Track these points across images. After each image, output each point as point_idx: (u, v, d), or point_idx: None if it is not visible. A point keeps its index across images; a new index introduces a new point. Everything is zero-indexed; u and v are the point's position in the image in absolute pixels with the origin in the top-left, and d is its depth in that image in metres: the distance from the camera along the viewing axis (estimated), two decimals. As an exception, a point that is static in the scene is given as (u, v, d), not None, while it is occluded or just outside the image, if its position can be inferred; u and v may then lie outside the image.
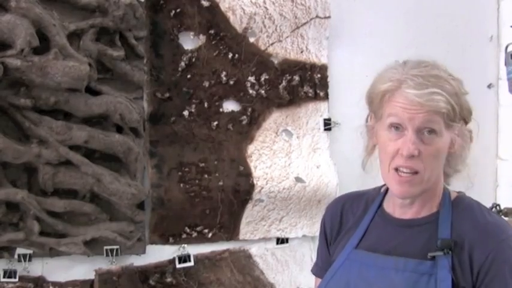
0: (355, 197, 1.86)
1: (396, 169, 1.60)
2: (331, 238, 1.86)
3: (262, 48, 2.82)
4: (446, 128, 1.58)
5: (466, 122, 1.64)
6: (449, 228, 1.63)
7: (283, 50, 2.84)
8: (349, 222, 1.82)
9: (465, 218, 1.64)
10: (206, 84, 2.73)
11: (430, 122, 1.56)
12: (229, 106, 2.79)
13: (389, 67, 1.66)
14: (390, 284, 1.63)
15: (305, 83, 2.88)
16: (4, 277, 2.51)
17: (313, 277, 1.98)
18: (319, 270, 1.91)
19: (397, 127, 1.60)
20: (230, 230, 2.79)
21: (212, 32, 2.73)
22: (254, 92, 2.80)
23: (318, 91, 2.90)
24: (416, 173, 1.59)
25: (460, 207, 1.67)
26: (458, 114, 1.58)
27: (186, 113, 2.71)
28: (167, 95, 2.69)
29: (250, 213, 2.82)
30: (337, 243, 1.82)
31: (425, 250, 1.62)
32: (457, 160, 1.68)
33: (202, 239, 2.76)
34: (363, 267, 1.68)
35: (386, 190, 1.77)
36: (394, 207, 1.72)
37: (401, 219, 1.70)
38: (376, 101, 1.66)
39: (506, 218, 2.76)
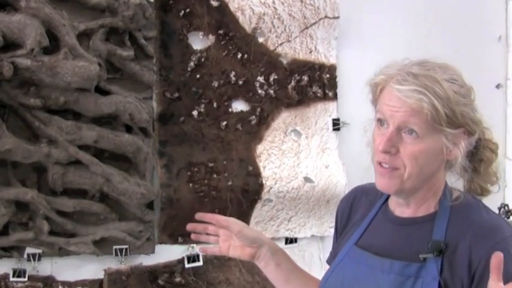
0: (366, 190, 1.85)
1: (379, 163, 1.60)
2: (340, 230, 1.87)
3: (271, 48, 2.81)
4: (432, 130, 1.55)
5: (469, 132, 1.60)
6: (445, 229, 1.61)
7: (292, 50, 2.84)
8: (356, 215, 1.82)
9: (461, 219, 1.61)
10: (215, 84, 2.74)
11: (408, 123, 1.54)
12: (238, 106, 2.79)
13: (391, 62, 1.66)
14: (376, 285, 1.62)
15: (314, 83, 2.87)
16: (14, 276, 2.52)
17: (322, 276, 1.98)
18: (332, 259, 1.90)
19: (382, 123, 1.60)
20: None
21: (221, 32, 2.73)
22: (263, 92, 2.80)
23: (327, 91, 2.90)
24: (396, 169, 1.58)
25: (458, 207, 1.64)
26: (447, 119, 1.54)
27: (195, 113, 2.71)
28: (176, 95, 2.69)
29: (259, 213, 2.82)
30: (343, 236, 1.83)
31: (418, 251, 1.59)
32: (455, 169, 1.65)
33: (211, 238, 2.76)
34: (357, 265, 1.68)
35: None
36: (395, 206, 1.71)
37: (400, 217, 1.69)
38: (372, 94, 1.68)
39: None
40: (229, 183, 2.77)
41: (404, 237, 1.65)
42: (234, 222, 1.85)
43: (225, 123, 2.75)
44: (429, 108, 1.52)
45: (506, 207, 2.87)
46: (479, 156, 1.66)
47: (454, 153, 1.60)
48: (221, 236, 1.89)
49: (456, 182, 1.72)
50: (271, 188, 2.81)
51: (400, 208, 1.69)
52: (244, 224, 1.88)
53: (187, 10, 2.69)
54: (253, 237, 1.86)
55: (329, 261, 1.93)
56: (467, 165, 1.63)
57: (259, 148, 2.82)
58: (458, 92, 1.57)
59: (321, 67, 2.89)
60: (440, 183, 1.68)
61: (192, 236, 1.94)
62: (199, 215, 1.90)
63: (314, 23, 2.86)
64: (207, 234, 1.93)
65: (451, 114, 1.55)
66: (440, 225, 1.62)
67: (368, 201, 1.82)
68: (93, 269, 2.63)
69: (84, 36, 2.48)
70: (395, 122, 1.56)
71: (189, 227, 1.91)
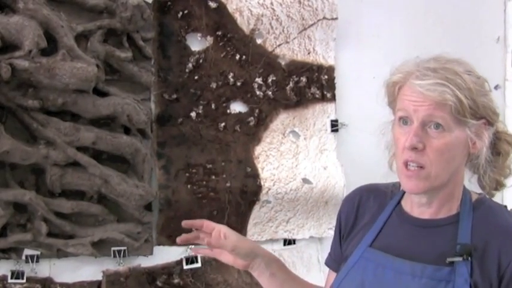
0: (373, 191, 1.82)
1: (405, 164, 1.58)
2: (344, 231, 1.83)
3: (270, 49, 2.82)
4: (456, 123, 1.55)
5: (490, 123, 1.60)
6: (470, 231, 1.60)
7: (290, 51, 2.84)
8: (364, 217, 1.79)
9: (486, 222, 1.61)
10: (213, 85, 2.73)
11: (433, 116, 1.54)
12: (237, 107, 2.79)
13: (405, 61, 1.65)
14: None
15: (312, 84, 2.87)
16: (12, 278, 2.51)
17: (320, 277, 1.97)
18: (332, 261, 1.89)
19: (405, 121, 1.59)
20: (237, 231, 2.74)
21: (219, 33, 2.73)
22: (261, 93, 2.80)
23: (325, 92, 2.90)
24: (422, 167, 1.56)
25: (481, 209, 1.64)
26: (470, 110, 1.54)
27: (193, 114, 2.71)
28: (174, 96, 2.69)
29: (257, 214, 2.82)
30: (351, 238, 1.79)
31: (443, 254, 1.58)
32: (476, 163, 1.64)
33: (209, 240, 2.76)
34: (379, 268, 1.65)
35: None
36: (412, 206, 1.69)
37: (419, 218, 1.67)
38: (389, 94, 1.67)
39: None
40: (228, 184, 2.76)
41: (427, 239, 1.64)
42: (226, 242, 1.81)
43: (223, 124, 2.75)
44: (453, 100, 1.52)
45: (505, 208, 2.86)
46: (497, 149, 1.66)
47: (478, 145, 1.59)
48: (213, 240, 1.86)
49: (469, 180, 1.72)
50: (269, 189, 2.81)
51: (419, 209, 1.67)
52: (237, 239, 1.83)
53: (186, 11, 2.69)
54: (246, 253, 1.82)
55: (329, 264, 1.91)
56: (489, 158, 1.63)
57: (258, 149, 2.82)
58: (477, 83, 1.57)
59: (319, 68, 2.89)
60: (461, 180, 1.67)
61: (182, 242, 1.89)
62: (186, 223, 1.85)
63: (312, 24, 2.87)
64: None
65: (473, 105, 1.55)
66: (465, 228, 1.61)
67: (377, 202, 1.79)
68: (91, 270, 2.62)
69: (82, 38, 2.47)
70: (420, 116, 1.55)
71: (181, 240, 1.86)
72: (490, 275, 1.55)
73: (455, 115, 1.54)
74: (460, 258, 1.56)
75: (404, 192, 1.74)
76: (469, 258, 1.56)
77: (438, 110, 1.53)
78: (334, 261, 1.87)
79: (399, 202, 1.75)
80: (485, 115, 1.59)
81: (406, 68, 1.61)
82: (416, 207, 1.68)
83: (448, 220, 1.64)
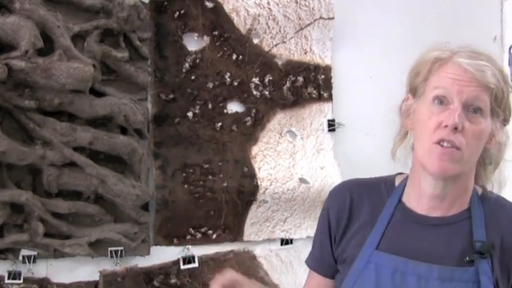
0: (364, 186, 1.73)
1: (437, 143, 1.50)
2: (336, 232, 1.72)
3: (266, 49, 2.81)
4: (491, 112, 1.51)
5: (506, 121, 1.57)
6: (484, 227, 1.55)
7: (287, 51, 2.84)
8: (360, 215, 1.68)
9: (498, 216, 1.57)
10: (210, 85, 2.73)
11: (478, 99, 1.49)
12: (233, 107, 2.79)
13: (438, 43, 1.60)
14: None
15: (309, 84, 2.87)
16: (9, 278, 2.51)
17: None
18: (316, 263, 1.79)
19: (441, 101, 1.52)
20: (234, 231, 2.78)
21: (216, 33, 2.73)
22: (258, 93, 2.80)
23: (322, 92, 2.89)
24: (458, 149, 1.49)
25: (489, 204, 1.60)
26: (504, 101, 1.51)
27: (190, 114, 2.71)
28: (171, 96, 2.69)
29: (254, 214, 2.81)
30: (347, 240, 1.69)
31: (462, 253, 1.53)
32: (490, 157, 1.60)
33: (206, 240, 2.76)
34: (397, 274, 1.56)
35: (405, 183, 1.67)
36: (419, 202, 1.61)
37: (428, 216, 1.60)
38: (424, 71, 1.59)
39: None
40: (225, 184, 2.76)
41: (441, 239, 1.57)
42: None
43: (220, 124, 2.75)
44: (496, 85, 1.49)
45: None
46: None
47: (496, 139, 1.56)
48: None
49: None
50: (266, 189, 2.81)
51: (430, 203, 1.59)
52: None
53: (182, 11, 2.68)
54: None
55: (311, 264, 1.81)
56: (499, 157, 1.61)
57: (255, 149, 2.82)
58: (507, 76, 1.55)
59: (316, 68, 2.89)
60: (473, 174, 1.61)
61: None
62: None
63: (309, 24, 2.86)
64: None
65: (506, 96, 1.52)
66: (479, 224, 1.56)
67: (372, 199, 1.69)
68: (88, 270, 2.62)
69: (78, 38, 2.47)
70: (464, 97, 1.49)
71: None
72: (509, 269, 1.53)
73: (493, 103, 1.50)
74: (483, 256, 1.51)
75: (404, 188, 1.67)
76: (489, 255, 1.52)
77: (483, 93, 1.49)
78: (318, 262, 1.78)
79: (400, 199, 1.66)
80: (506, 112, 1.56)
81: (449, 47, 1.57)
82: (426, 201, 1.60)
83: (460, 217, 1.58)
